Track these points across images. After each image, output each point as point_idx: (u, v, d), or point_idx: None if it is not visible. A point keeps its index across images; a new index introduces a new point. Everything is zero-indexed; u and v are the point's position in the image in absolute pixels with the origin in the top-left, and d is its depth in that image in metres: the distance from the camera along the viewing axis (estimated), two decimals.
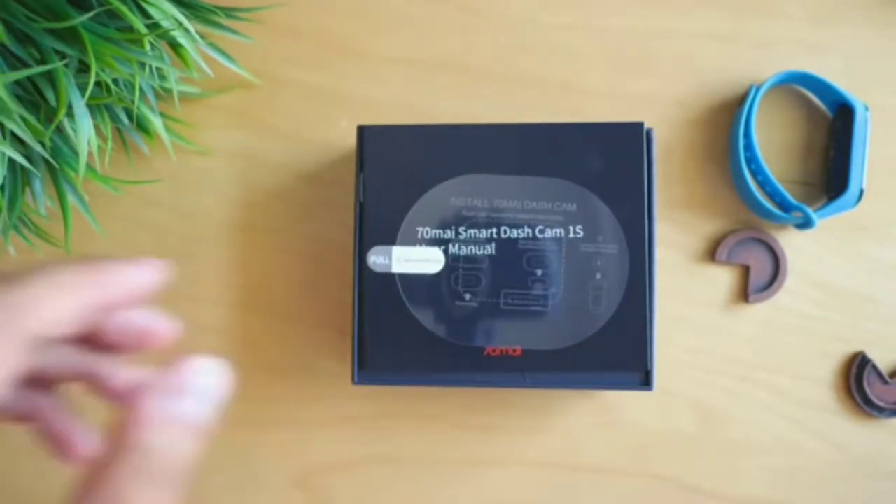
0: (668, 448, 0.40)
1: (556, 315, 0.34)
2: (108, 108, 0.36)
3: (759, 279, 0.40)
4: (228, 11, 0.37)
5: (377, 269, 0.34)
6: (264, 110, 0.41)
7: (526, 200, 0.35)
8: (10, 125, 0.30)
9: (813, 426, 0.40)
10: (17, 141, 0.32)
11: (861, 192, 0.38)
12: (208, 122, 0.41)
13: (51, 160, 0.34)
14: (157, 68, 0.35)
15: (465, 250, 0.34)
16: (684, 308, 0.40)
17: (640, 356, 0.34)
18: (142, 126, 0.38)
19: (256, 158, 0.41)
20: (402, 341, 0.35)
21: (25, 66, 0.31)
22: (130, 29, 0.31)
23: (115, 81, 0.34)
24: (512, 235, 0.35)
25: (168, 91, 0.37)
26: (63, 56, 0.31)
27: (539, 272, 0.34)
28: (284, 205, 0.41)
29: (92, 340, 0.23)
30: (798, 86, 0.40)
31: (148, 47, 0.32)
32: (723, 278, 0.40)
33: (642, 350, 0.34)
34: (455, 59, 0.41)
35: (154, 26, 0.32)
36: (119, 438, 0.19)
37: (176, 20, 0.32)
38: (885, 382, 0.39)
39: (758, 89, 0.39)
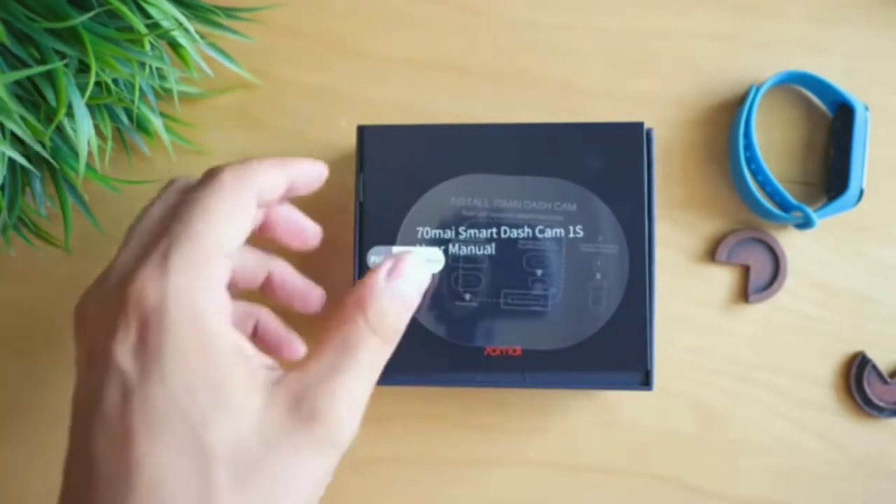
0: (668, 448, 0.40)
1: (556, 315, 0.34)
2: (108, 108, 0.36)
3: (759, 279, 0.40)
4: (228, 11, 0.37)
5: None
6: (264, 110, 0.41)
7: (526, 200, 0.35)
8: (10, 125, 0.30)
9: (813, 426, 0.40)
10: (17, 141, 0.32)
11: (861, 192, 0.38)
12: (208, 122, 0.41)
13: (51, 160, 0.34)
14: (157, 68, 0.35)
15: (465, 250, 0.34)
16: (684, 308, 0.40)
17: (640, 356, 0.34)
18: (142, 126, 0.38)
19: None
20: (402, 341, 0.34)
21: (25, 66, 0.31)
22: (130, 29, 0.31)
23: (115, 81, 0.34)
24: (512, 235, 0.35)
25: (168, 91, 0.37)
26: (63, 56, 0.31)
27: (539, 272, 0.34)
28: None
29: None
30: (798, 86, 0.40)
31: (148, 47, 0.32)
32: (723, 278, 0.40)
33: (642, 350, 0.34)
34: (455, 59, 0.41)
35: (154, 26, 0.32)
36: (356, 301, 0.27)
37: (176, 20, 0.32)
38: (885, 382, 0.39)
39: (758, 89, 0.39)
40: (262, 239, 0.33)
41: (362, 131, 0.36)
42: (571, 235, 0.35)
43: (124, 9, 0.29)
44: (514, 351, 0.35)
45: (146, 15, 0.32)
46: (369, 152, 0.35)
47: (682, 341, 0.40)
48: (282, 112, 0.41)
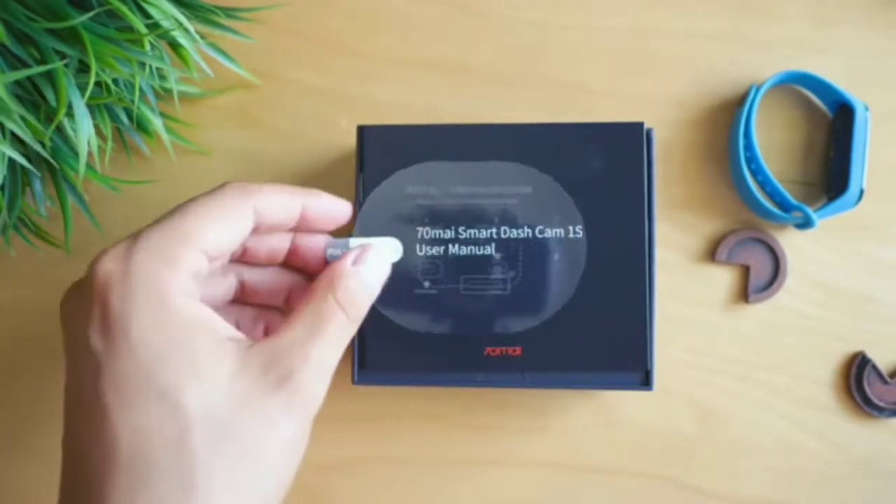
0: (668, 448, 0.40)
1: (517, 297, 0.34)
2: (108, 108, 0.36)
3: (759, 279, 0.40)
4: (229, 11, 0.37)
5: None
6: (264, 110, 0.41)
7: (481, 186, 0.35)
8: (10, 125, 0.30)
9: (813, 426, 0.40)
10: (17, 141, 0.32)
11: (861, 192, 0.38)
12: (208, 122, 0.41)
13: (51, 160, 0.34)
14: (157, 68, 0.35)
15: (427, 241, 0.34)
16: (684, 308, 0.40)
17: (640, 356, 0.34)
18: (142, 126, 0.38)
19: (256, 158, 0.41)
20: (402, 341, 0.35)
21: (25, 66, 0.31)
22: (130, 29, 0.31)
23: (115, 81, 0.34)
24: (470, 221, 0.34)
25: (168, 91, 0.37)
26: (63, 56, 0.31)
27: (498, 256, 0.34)
28: None
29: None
30: (798, 86, 0.40)
31: (148, 47, 0.32)
32: (723, 278, 0.40)
33: (642, 350, 0.34)
34: (455, 59, 0.41)
35: (154, 26, 0.32)
36: (327, 282, 0.29)
37: (176, 20, 0.32)
38: (885, 382, 0.39)
39: (758, 89, 0.39)
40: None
41: (362, 131, 0.35)
42: (571, 236, 0.35)
43: (124, 9, 0.29)
44: (514, 351, 0.35)
45: (146, 15, 0.32)
46: (369, 152, 0.35)
47: (682, 341, 0.40)
48: (282, 112, 0.41)
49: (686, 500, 0.40)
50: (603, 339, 0.34)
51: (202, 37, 0.34)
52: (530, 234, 0.34)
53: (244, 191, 0.29)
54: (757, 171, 0.39)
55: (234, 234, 0.29)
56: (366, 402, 0.40)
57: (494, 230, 0.34)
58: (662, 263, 0.39)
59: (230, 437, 0.25)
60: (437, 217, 0.35)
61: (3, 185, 0.33)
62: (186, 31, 0.33)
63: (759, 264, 0.40)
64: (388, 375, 0.35)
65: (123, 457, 0.24)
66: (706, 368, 0.40)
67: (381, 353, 0.35)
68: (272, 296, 0.34)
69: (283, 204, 0.30)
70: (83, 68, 0.32)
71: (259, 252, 0.32)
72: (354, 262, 0.30)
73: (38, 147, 0.31)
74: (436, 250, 0.34)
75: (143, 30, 0.31)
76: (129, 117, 0.37)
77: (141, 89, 0.36)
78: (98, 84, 0.33)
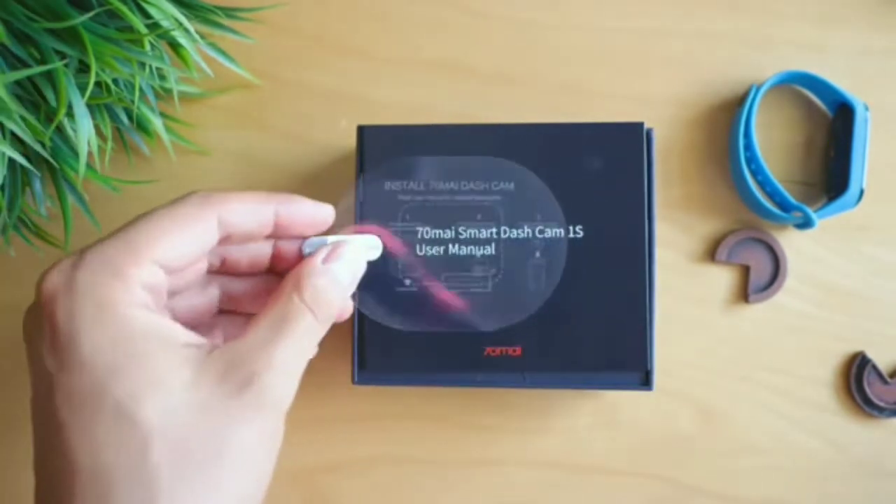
0: (668, 448, 0.40)
1: (498, 295, 0.34)
2: (108, 108, 0.36)
3: (759, 279, 0.40)
4: (229, 11, 0.37)
5: None
6: (264, 110, 0.41)
7: (463, 181, 0.34)
8: (10, 125, 0.30)
9: (813, 426, 0.40)
10: (17, 141, 0.32)
11: (861, 192, 0.38)
12: (208, 122, 0.41)
13: (51, 160, 0.34)
14: (157, 68, 0.35)
15: (403, 236, 0.34)
16: (684, 308, 0.40)
17: (640, 356, 0.34)
18: (142, 126, 0.38)
19: (256, 158, 0.41)
20: (402, 341, 0.35)
21: (25, 66, 0.31)
22: (130, 29, 0.31)
23: (115, 81, 0.34)
24: (450, 218, 0.34)
25: (168, 91, 0.37)
26: (63, 56, 0.31)
27: (479, 254, 0.34)
28: None
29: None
30: (798, 86, 0.40)
31: (148, 47, 0.32)
32: (723, 278, 0.40)
33: (642, 350, 0.34)
34: (455, 59, 0.41)
35: (154, 26, 0.32)
36: (293, 282, 0.28)
37: (176, 20, 0.32)
38: (885, 382, 0.39)
39: (758, 89, 0.39)
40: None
41: (362, 131, 0.35)
42: (572, 235, 0.35)
43: (124, 9, 0.29)
44: (514, 351, 0.35)
45: (146, 15, 0.32)
46: (369, 152, 0.35)
47: (682, 341, 0.40)
48: (282, 112, 0.41)
49: (686, 500, 0.40)
50: (603, 339, 0.34)
51: (202, 37, 0.34)
52: (512, 232, 0.34)
53: (207, 200, 0.28)
54: (757, 171, 0.39)
55: (194, 245, 0.27)
56: (366, 402, 0.40)
57: (476, 227, 0.34)
58: (662, 263, 0.39)
59: (193, 448, 0.24)
60: (419, 214, 0.34)
61: (3, 185, 0.33)
62: (186, 31, 0.33)
63: (759, 264, 0.40)
64: (388, 375, 0.35)
65: (84, 475, 0.24)
66: (706, 368, 0.40)
67: (381, 353, 0.35)
68: (260, 304, 0.32)
69: (252, 212, 0.29)
70: (83, 68, 0.32)
71: (240, 261, 0.31)
72: (325, 260, 0.29)
73: (38, 147, 0.31)
74: (417, 248, 0.34)
75: (143, 30, 0.31)
76: (129, 117, 0.37)
77: (141, 89, 0.36)
78: (98, 84, 0.33)
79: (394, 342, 0.35)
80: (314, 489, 0.40)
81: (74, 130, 0.32)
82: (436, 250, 0.34)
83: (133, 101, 0.34)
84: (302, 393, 0.41)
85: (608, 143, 0.35)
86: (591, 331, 0.34)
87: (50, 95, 0.31)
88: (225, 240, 0.29)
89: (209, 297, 0.31)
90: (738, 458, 0.40)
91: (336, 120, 0.41)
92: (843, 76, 0.40)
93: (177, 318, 0.29)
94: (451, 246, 0.34)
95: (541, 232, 0.34)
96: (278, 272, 0.32)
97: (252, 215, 0.29)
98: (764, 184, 0.39)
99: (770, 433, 0.40)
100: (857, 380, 0.39)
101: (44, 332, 0.25)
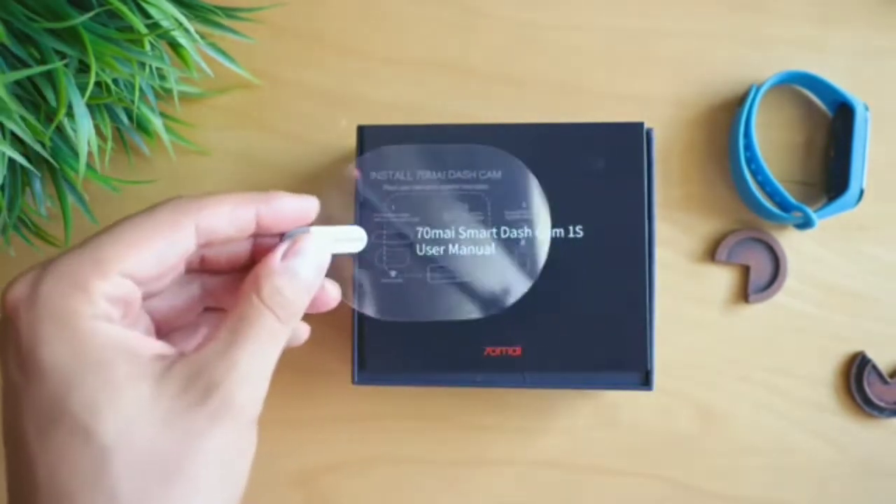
0: (668, 448, 0.40)
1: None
2: (108, 108, 0.36)
3: (759, 279, 0.40)
4: (229, 11, 0.37)
5: None
6: (264, 110, 0.41)
7: (450, 170, 0.34)
8: (10, 125, 0.30)
9: (813, 426, 0.40)
10: (17, 141, 0.32)
11: (861, 192, 0.38)
12: (208, 122, 0.41)
13: (51, 160, 0.34)
14: (157, 68, 0.35)
15: (389, 226, 0.34)
16: (684, 308, 0.40)
17: (640, 356, 0.34)
18: (142, 126, 0.38)
19: (256, 158, 0.41)
20: (402, 341, 0.35)
21: (25, 66, 0.31)
22: (130, 29, 0.31)
23: (115, 81, 0.34)
24: (436, 207, 0.34)
25: (168, 91, 0.37)
26: (63, 56, 0.31)
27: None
28: None
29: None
30: (798, 86, 0.40)
31: (148, 47, 0.32)
32: (723, 278, 0.40)
33: (642, 350, 0.34)
34: (455, 59, 0.41)
35: (154, 26, 0.32)
36: (252, 281, 0.27)
37: (176, 20, 0.32)
38: (885, 382, 0.39)
39: (758, 89, 0.39)
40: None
41: (362, 131, 0.35)
42: (572, 235, 0.35)
43: (124, 9, 0.29)
44: (514, 351, 0.35)
45: (146, 15, 0.32)
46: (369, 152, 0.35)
47: (682, 341, 0.40)
48: (282, 112, 0.41)
49: (686, 500, 0.40)
50: (603, 338, 0.34)
51: (202, 37, 0.34)
52: (497, 224, 0.34)
53: (183, 207, 0.27)
54: (757, 171, 0.39)
55: (169, 254, 0.26)
56: (366, 402, 0.40)
57: (464, 216, 0.34)
58: (662, 263, 0.39)
59: (155, 462, 0.24)
60: (403, 204, 0.34)
61: (3, 185, 0.33)
62: (186, 31, 0.33)
63: (759, 264, 0.40)
64: (388, 375, 0.35)
65: (43, 491, 0.23)
66: (706, 368, 0.40)
67: (381, 354, 0.35)
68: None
69: (231, 216, 0.28)
70: (83, 68, 0.32)
71: (219, 259, 0.30)
72: (285, 256, 0.28)
73: (38, 147, 0.31)
74: (403, 240, 0.34)
75: (143, 30, 0.31)
76: (129, 117, 0.37)
77: (141, 89, 0.36)
78: (98, 84, 0.33)
79: (394, 342, 0.35)
80: (314, 489, 0.40)
81: (74, 130, 0.32)
82: (421, 241, 0.34)
83: (133, 101, 0.34)
84: (302, 393, 0.41)
85: (608, 143, 0.35)
86: (591, 331, 0.34)
87: (50, 95, 0.31)
88: (205, 245, 0.28)
89: (190, 295, 0.31)
90: (738, 458, 0.40)
91: (336, 120, 0.41)
92: (843, 76, 0.40)
93: (158, 319, 0.29)
94: (439, 234, 0.34)
95: (525, 220, 0.34)
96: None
97: (232, 220, 0.28)
98: (764, 184, 0.39)
99: (770, 433, 0.40)
100: (857, 380, 0.39)
101: (9, 341, 0.25)
